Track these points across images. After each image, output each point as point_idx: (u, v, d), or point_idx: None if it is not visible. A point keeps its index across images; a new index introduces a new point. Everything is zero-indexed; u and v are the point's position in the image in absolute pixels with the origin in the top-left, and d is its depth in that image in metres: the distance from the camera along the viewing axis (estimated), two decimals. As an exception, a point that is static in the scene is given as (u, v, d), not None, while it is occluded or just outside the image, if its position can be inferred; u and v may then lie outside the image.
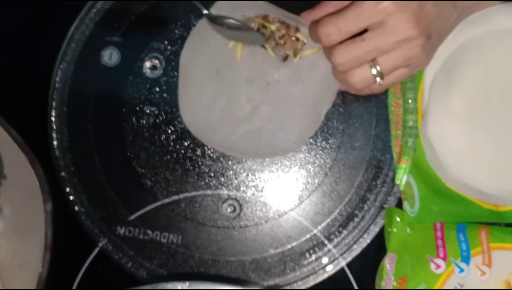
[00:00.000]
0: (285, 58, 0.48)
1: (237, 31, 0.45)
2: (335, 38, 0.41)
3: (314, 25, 0.44)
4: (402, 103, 0.49)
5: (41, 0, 0.53)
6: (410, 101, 0.48)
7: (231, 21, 0.45)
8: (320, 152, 0.49)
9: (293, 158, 0.49)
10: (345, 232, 0.49)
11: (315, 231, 0.49)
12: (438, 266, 0.46)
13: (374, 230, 0.48)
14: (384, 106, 0.49)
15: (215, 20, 0.46)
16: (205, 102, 0.49)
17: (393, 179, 0.48)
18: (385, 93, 0.49)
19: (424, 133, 0.48)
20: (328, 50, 0.43)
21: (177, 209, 0.49)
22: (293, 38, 0.47)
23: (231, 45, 0.48)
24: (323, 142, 0.49)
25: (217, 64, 0.49)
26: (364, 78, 0.42)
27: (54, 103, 0.50)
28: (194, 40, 0.50)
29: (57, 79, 0.50)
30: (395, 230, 0.47)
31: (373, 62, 0.41)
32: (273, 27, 0.46)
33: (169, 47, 0.50)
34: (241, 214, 0.49)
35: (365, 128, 0.49)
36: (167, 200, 0.49)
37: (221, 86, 0.48)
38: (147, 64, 0.50)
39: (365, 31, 0.41)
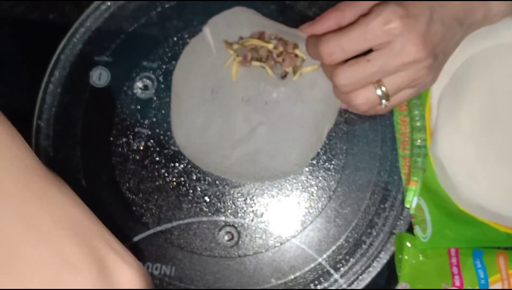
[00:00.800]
0: (284, 76, 0.46)
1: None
2: (338, 57, 0.39)
3: (314, 40, 0.42)
4: (409, 121, 0.46)
5: (27, 18, 0.50)
6: (417, 118, 0.45)
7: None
8: (323, 174, 0.46)
9: (294, 181, 0.46)
10: (352, 260, 0.45)
11: (319, 259, 0.45)
12: (455, 296, 0.42)
13: (384, 257, 0.45)
14: (390, 124, 0.46)
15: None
16: (199, 123, 0.46)
17: (402, 202, 0.45)
18: (390, 110, 0.46)
19: (434, 152, 0.45)
20: (329, 69, 0.41)
21: (170, 238, 0.46)
22: (292, 55, 0.45)
23: (227, 64, 0.46)
24: (326, 164, 0.46)
25: (211, 83, 0.46)
26: (368, 99, 0.40)
27: (40, 125, 0.47)
28: (187, 59, 0.48)
29: (44, 100, 0.48)
30: (406, 257, 0.44)
31: (378, 83, 0.40)
32: (270, 46, 0.44)
33: (161, 67, 0.48)
34: (240, 242, 0.46)
35: (370, 148, 0.46)
36: (159, 228, 0.46)
37: (216, 106, 0.46)
38: (138, 84, 0.48)
39: (369, 49, 0.39)
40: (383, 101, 0.40)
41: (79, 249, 0.27)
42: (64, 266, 0.26)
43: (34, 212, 0.28)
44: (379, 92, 0.40)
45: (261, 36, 0.46)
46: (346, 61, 0.40)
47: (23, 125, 0.48)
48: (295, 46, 0.45)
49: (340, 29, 0.41)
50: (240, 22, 0.47)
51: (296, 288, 0.45)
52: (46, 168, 0.29)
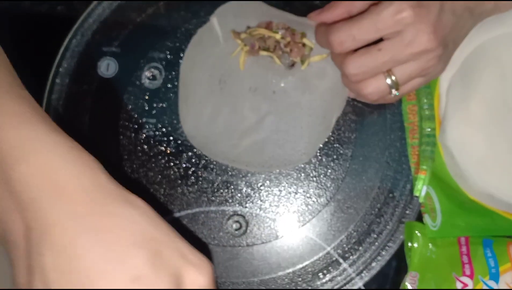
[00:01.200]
0: (292, 65, 0.46)
1: None
2: (348, 46, 0.39)
3: (323, 29, 0.42)
4: (417, 110, 0.46)
5: (35, 11, 0.51)
6: (426, 107, 0.45)
7: None
8: (331, 163, 0.46)
9: (303, 170, 0.46)
10: (361, 249, 0.45)
11: (328, 249, 0.45)
12: (465, 285, 0.42)
13: (393, 246, 0.45)
14: (398, 112, 0.46)
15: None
16: (207, 113, 0.46)
17: (411, 191, 0.45)
18: (399, 99, 0.46)
19: (443, 141, 0.45)
20: (339, 58, 0.41)
21: (178, 228, 0.45)
22: (300, 45, 0.45)
23: (235, 54, 0.46)
24: (335, 153, 0.46)
25: (219, 73, 0.46)
26: (378, 89, 0.40)
27: (48, 115, 0.47)
28: (194, 49, 0.48)
29: (52, 92, 0.48)
30: (416, 245, 0.44)
31: (388, 73, 0.39)
32: (277, 36, 0.44)
33: (169, 57, 0.48)
34: (248, 231, 0.46)
35: (378, 137, 0.46)
36: (167, 218, 0.46)
37: (224, 96, 0.46)
38: (146, 74, 0.48)
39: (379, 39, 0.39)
40: (393, 90, 0.40)
41: (151, 264, 0.28)
42: (136, 282, 0.27)
43: (106, 231, 0.28)
44: (389, 81, 0.39)
45: (268, 25, 0.46)
46: (356, 50, 0.40)
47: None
48: (303, 35, 0.45)
49: (350, 18, 0.40)
50: (248, 12, 0.47)
51: (305, 277, 0.45)
52: (116, 184, 0.30)
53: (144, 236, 0.28)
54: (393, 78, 0.40)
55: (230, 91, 0.46)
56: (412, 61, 0.39)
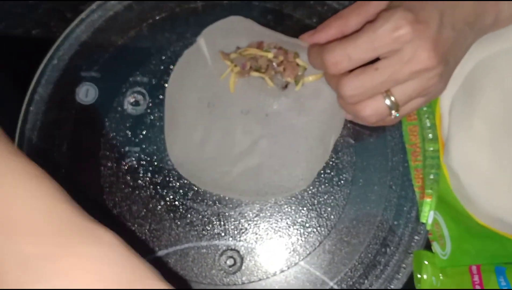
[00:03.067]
0: (285, 86, 0.44)
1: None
2: (344, 66, 0.38)
3: (316, 49, 0.40)
4: (419, 131, 0.44)
5: (10, 34, 0.48)
6: (428, 128, 0.43)
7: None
8: (331, 189, 0.43)
9: (300, 197, 0.43)
10: (367, 283, 0.42)
11: (331, 283, 0.42)
12: (481, 318, 0.39)
13: (402, 278, 0.42)
14: (399, 134, 0.44)
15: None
16: (196, 138, 0.43)
17: (417, 218, 0.42)
18: (398, 120, 0.44)
19: (448, 162, 0.43)
20: (334, 79, 0.39)
21: (165, 266, 0.42)
22: (294, 64, 0.43)
23: (224, 76, 0.43)
24: (334, 178, 0.44)
25: (208, 96, 0.44)
26: (377, 110, 0.38)
27: (21, 146, 0.44)
28: (181, 71, 0.46)
29: (26, 120, 0.45)
30: (425, 277, 0.41)
31: (387, 93, 0.38)
32: (270, 55, 0.43)
33: (153, 81, 0.46)
34: (243, 267, 0.42)
35: (380, 160, 0.44)
36: (153, 256, 0.42)
37: (213, 119, 0.44)
38: (129, 100, 0.46)
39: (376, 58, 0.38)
40: (393, 111, 0.38)
41: None
42: None
43: (64, 277, 0.25)
44: (388, 102, 0.38)
45: (259, 45, 0.44)
46: (351, 71, 0.38)
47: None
48: (296, 55, 0.44)
49: (345, 37, 0.39)
50: (237, 31, 0.45)
51: (307, 316, 0.42)
52: (82, 216, 0.27)
53: (113, 280, 0.25)
54: (392, 98, 0.38)
55: (220, 114, 0.44)
56: (412, 80, 0.38)
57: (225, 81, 0.44)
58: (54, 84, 0.46)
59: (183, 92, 0.45)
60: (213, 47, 0.45)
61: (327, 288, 0.43)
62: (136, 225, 0.44)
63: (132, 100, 0.46)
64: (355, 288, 0.42)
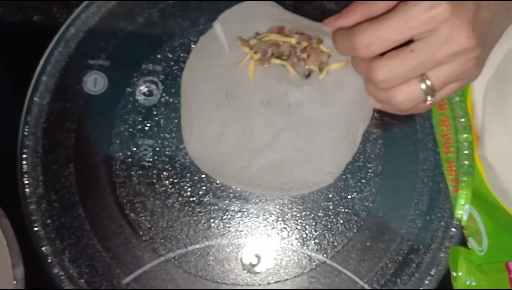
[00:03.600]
0: (308, 74, 0.41)
1: None
2: (376, 49, 0.36)
3: (344, 33, 0.38)
4: (450, 121, 0.42)
5: (8, 21, 0.45)
6: (461, 117, 0.41)
7: None
8: (359, 183, 0.41)
9: (326, 192, 0.41)
10: (399, 282, 0.40)
11: (361, 283, 0.40)
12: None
13: (436, 277, 0.40)
14: (429, 124, 0.42)
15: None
16: (214, 131, 0.41)
17: (451, 212, 0.40)
18: (429, 109, 0.42)
19: (482, 155, 0.41)
20: (364, 64, 0.36)
21: (184, 266, 0.40)
22: (318, 50, 0.41)
23: (243, 64, 0.41)
24: (362, 172, 0.42)
25: (225, 85, 0.42)
26: (412, 96, 0.36)
27: (25, 141, 0.41)
28: (196, 60, 0.43)
29: (30, 112, 0.42)
30: (460, 274, 0.39)
31: (422, 77, 0.36)
32: (293, 40, 0.40)
33: (166, 69, 0.43)
34: (267, 267, 0.40)
35: (409, 152, 0.42)
36: (171, 255, 0.40)
37: (232, 111, 0.41)
38: (141, 89, 0.43)
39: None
40: (428, 97, 0.36)
41: None
42: None
43: None
44: (423, 86, 0.36)
45: (281, 30, 0.41)
46: (382, 55, 0.36)
47: (6, 142, 0.42)
48: (320, 41, 0.41)
49: (374, 19, 0.37)
50: (255, 16, 0.43)
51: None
52: None
53: None
54: (428, 83, 0.36)
55: (239, 105, 0.42)
56: (449, 63, 0.36)
57: (244, 69, 0.42)
58: (59, 73, 0.44)
59: (199, 82, 0.43)
60: (229, 33, 0.43)
61: (357, 288, 0.40)
62: (152, 223, 0.41)
63: (144, 89, 0.43)
64: (387, 288, 0.40)
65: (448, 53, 0.35)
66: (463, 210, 0.41)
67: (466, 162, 0.42)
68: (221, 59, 0.43)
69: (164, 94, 0.44)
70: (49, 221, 0.41)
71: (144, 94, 0.44)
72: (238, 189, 0.42)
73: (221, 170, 0.42)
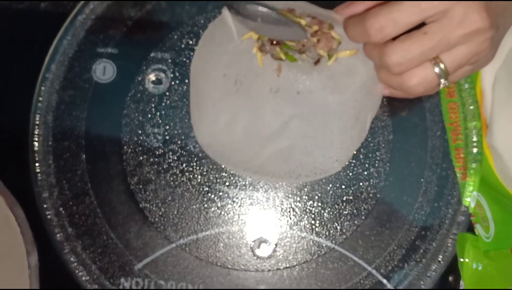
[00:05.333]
0: (317, 61, 0.42)
1: (268, 24, 0.40)
2: (389, 32, 0.36)
3: (356, 18, 0.39)
4: (459, 108, 0.43)
5: (15, 9, 0.46)
6: (470, 104, 0.43)
7: (262, 10, 0.39)
8: (367, 170, 0.43)
9: (335, 179, 0.43)
10: (407, 267, 0.42)
11: (369, 269, 0.42)
12: (526, 302, 0.39)
13: (443, 262, 0.42)
14: (438, 111, 0.44)
15: (238, 10, 0.40)
16: (222, 118, 0.43)
17: (459, 199, 0.42)
18: (437, 96, 0.43)
19: (491, 142, 0.42)
20: (377, 49, 0.37)
21: (195, 252, 0.42)
22: (328, 35, 0.42)
23: (246, 36, 0.42)
24: (370, 159, 0.43)
25: (235, 72, 0.43)
26: (425, 79, 0.37)
27: (36, 129, 0.43)
28: (205, 46, 0.44)
29: (40, 99, 0.43)
30: (467, 260, 0.41)
31: (435, 60, 0.36)
32: (303, 22, 0.41)
33: (175, 57, 0.44)
34: (276, 253, 0.42)
35: (419, 139, 0.44)
36: (182, 242, 0.42)
37: (241, 98, 0.42)
38: (150, 77, 0.44)
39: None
40: (442, 80, 0.37)
41: None
42: None
43: None
44: (437, 70, 0.37)
45: (291, 11, 0.42)
46: (394, 39, 0.37)
47: (16, 130, 0.44)
48: (331, 26, 0.42)
49: (389, 2, 0.38)
50: (265, 2, 0.44)
51: (344, 302, 0.42)
52: None
53: None
54: (442, 66, 0.37)
55: (248, 93, 0.43)
56: (463, 45, 0.37)
57: (253, 56, 0.43)
58: (68, 62, 0.45)
59: (208, 69, 0.44)
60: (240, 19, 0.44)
61: (365, 273, 0.42)
62: (162, 210, 0.43)
63: (153, 77, 0.45)
64: (394, 274, 0.42)
65: (462, 34, 0.36)
66: (470, 197, 0.42)
67: (474, 149, 0.43)
68: (230, 46, 0.44)
69: (173, 82, 0.45)
70: (61, 209, 0.43)
71: (153, 82, 0.45)
72: (248, 177, 0.43)
73: (230, 158, 0.43)
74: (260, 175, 0.43)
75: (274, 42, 0.43)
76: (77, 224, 0.43)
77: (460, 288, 0.42)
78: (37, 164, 0.44)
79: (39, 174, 0.43)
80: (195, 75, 0.45)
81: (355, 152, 0.44)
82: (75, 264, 0.42)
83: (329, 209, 0.43)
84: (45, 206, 0.43)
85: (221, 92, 0.44)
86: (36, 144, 0.44)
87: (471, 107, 0.44)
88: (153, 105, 0.45)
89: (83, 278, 0.42)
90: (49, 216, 0.43)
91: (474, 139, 0.43)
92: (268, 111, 0.43)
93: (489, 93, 0.44)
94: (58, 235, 0.43)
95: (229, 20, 0.44)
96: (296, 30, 0.40)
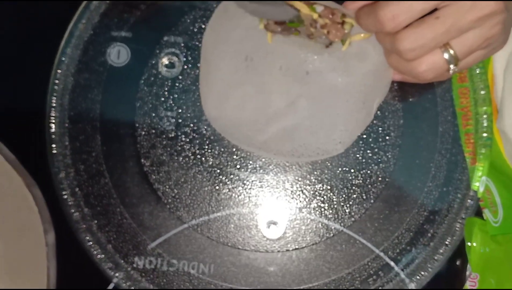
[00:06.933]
0: (329, 44, 0.43)
1: (261, 4, 0.41)
2: (403, 20, 0.37)
3: (367, 9, 0.40)
4: (470, 93, 0.45)
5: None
6: (481, 90, 0.44)
7: None
8: (377, 154, 0.44)
9: (345, 163, 0.45)
10: (414, 250, 0.43)
11: (377, 251, 0.43)
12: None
13: (451, 246, 0.43)
14: (449, 96, 0.45)
15: None
16: (230, 93, 0.44)
17: (468, 184, 0.43)
18: (449, 81, 0.44)
19: (501, 127, 0.43)
20: (390, 37, 0.38)
21: (207, 233, 0.44)
22: (339, 26, 0.43)
23: (263, 26, 0.43)
24: (381, 142, 0.45)
25: (246, 48, 0.44)
26: (435, 65, 0.38)
27: (53, 112, 0.45)
28: (219, 20, 0.45)
29: (56, 82, 0.45)
30: (475, 244, 0.42)
31: (445, 46, 0.37)
32: (315, 15, 0.42)
33: (188, 41, 0.46)
34: (286, 235, 0.44)
35: (428, 124, 0.45)
36: (194, 222, 0.44)
37: (250, 75, 0.44)
38: (163, 61, 0.46)
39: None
40: (451, 66, 0.38)
41: None
42: None
43: None
44: (447, 56, 0.38)
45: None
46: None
47: (33, 113, 0.46)
48: (344, 15, 0.43)
49: None
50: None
51: (352, 284, 0.44)
52: None
53: None
54: (452, 52, 0.38)
55: (257, 70, 0.44)
56: (474, 30, 0.37)
57: (265, 34, 0.44)
58: (83, 46, 0.47)
59: (220, 43, 0.45)
60: None
61: (373, 256, 0.44)
62: (175, 191, 0.45)
63: (166, 61, 0.47)
64: (402, 257, 0.44)
65: (474, 17, 0.37)
66: (479, 182, 0.44)
67: (484, 134, 0.44)
68: (244, 21, 0.45)
69: (185, 66, 0.47)
70: (77, 189, 0.45)
71: (166, 66, 0.47)
72: (259, 160, 0.45)
73: (235, 132, 0.45)
74: (263, 152, 0.45)
75: (279, 23, 0.43)
76: (92, 204, 0.45)
77: (467, 271, 0.44)
78: (53, 145, 0.46)
79: (56, 155, 0.46)
80: (206, 48, 0.45)
81: (364, 136, 0.45)
82: (91, 243, 0.45)
83: (338, 192, 0.45)
84: (61, 186, 0.45)
85: (231, 67, 0.45)
86: (52, 126, 0.46)
87: (482, 92, 0.45)
88: (166, 89, 0.47)
89: (98, 256, 0.44)
90: (65, 196, 0.45)
91: (485, 124, 0.44)
92: (276, 89, 0.44)
93: (501, 78, 0.45)
94: (75, 214, 0.45)
95: None
96: (284, 9, 0.41)
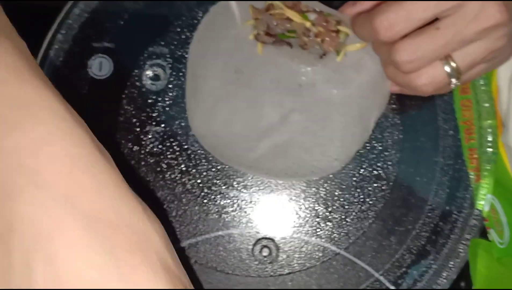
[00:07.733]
0: (323, 54, 0.42)
1: None
2: (400, 29, 0.36)
3: (363, 16, 0.38)
4: (473, 106, 0.43)
5: (12, 4, 0.46)
6: (485, 102, 0.42)
7: None
8: (375, 171, 0.42)
9: (341, 181, 0.42)
10: (416, 274, 0.41)
11: (376, 275, 0.41)
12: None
13: (455, 269, 0.41)
14: (451, 109, 0.43)
15: None
16: (219, 108, 0.42)
17: (472, 203, 0.41)
18: (450, 93, 0.42)
19: (506, 142, 0.42)
20: (386, 46, 0.37)
21: (195, 256, 0.42)
22: (334, 34, 0.41)
23: (250, 22, 0.41)
24: (379, 159, 0.43)
25: (235, 60, 0.42)
26: (435, 79, 0.36)
27: (30, 128, 0.42)
28: (206, 31, 0.44)
29: (33, 97, 0.43)
30: (479, 267, 0.40)
31: (446, 59, 0.35)
32: (307, 24, 0.40)
33: (174, 52, 0.44)
34: (279, 258, 0.42)
35: (429, 139, 0.43)
36: (181, 245, 0.42)
37: (240, 88, 0.42)
38: (148, 73, 0.44)
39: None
40: (453, 80, 0.36)
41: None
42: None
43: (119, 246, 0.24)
44: (448, 69, 0.36)
45: (295, 6, 0.41)
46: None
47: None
48: (338, 23, 0.41)
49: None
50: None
51: (350, 310, 0.42)
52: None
53: (161, 263, 0.24)
54: (453, 64, 0.36)
55: (248, 83, 0.42)
56: (477, 42, 0.36)
57: (255, 45, 0.42)
58: (63, 57, 0.45)
59: (208, 55, 0.43)
60: (243, 3, 0.43)
61: (372, 279, 0.42)
62: (161, 212, 0.43)
63: (151, 73, 0.45)
64: (403, 280, 0.42)
65: (477, 29, 0.35)
66: (484, 201, 0.42)
67: (489, 149, 0.42)
68: (232, 32, 0.43)
69: (171, 79, 0.45)
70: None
71: (150, 78, 0.45)
72: (250, 178, 0.43)
73: (225, 150, 0.43)
74: (255, 170, 0.43)
75: (270, 34, 0.42)
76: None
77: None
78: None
79: (33, 175, 0.43)
80: (193, 61, 0.44)
81: (362, 152, 0.43)
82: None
83: (334, 212, 0.43)
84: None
85: (220, 81, 0.43)
86: (29, 143, 0.44)
87: (486, 105, 0.43)
88: (151, 102, 0.44)
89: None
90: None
91: (489, 138, 0.43)
92: (268, 103, 0.43)
93: (506, 91, 0.43)
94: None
95: (233, 3, 0.44)
96: None
